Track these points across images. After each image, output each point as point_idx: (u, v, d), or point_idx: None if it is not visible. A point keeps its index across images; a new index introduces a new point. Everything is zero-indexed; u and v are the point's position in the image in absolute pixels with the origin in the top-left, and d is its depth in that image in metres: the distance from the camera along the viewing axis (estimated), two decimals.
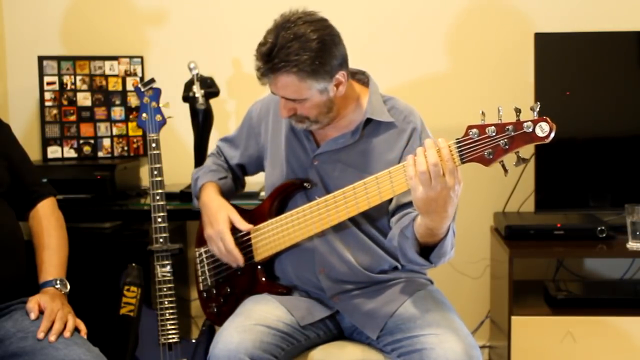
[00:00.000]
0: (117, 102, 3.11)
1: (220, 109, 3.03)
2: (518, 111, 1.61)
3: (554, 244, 2.73)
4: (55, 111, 3.09)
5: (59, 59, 3.08)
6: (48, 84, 3.07)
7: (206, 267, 2.22)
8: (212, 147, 2.86)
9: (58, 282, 2.07)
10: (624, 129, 2.85)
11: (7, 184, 2.10)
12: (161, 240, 2.31)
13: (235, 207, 2.20)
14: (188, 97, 2.80)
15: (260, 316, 1.93)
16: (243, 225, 2.08)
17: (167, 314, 2.33)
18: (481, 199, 3.07)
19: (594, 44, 2.83)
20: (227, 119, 3.11)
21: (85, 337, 1.97)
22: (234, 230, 2.10)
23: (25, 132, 3.14)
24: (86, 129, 3.11)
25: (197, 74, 2.75)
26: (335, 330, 2.09)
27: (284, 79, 1.86)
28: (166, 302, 2.33)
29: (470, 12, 3.06)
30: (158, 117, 2.35)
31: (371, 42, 3.06)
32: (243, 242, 2.11)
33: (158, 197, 2.31)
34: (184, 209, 2.65)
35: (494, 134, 1.63)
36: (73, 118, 3.10)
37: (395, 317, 1.95)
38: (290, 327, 1.96)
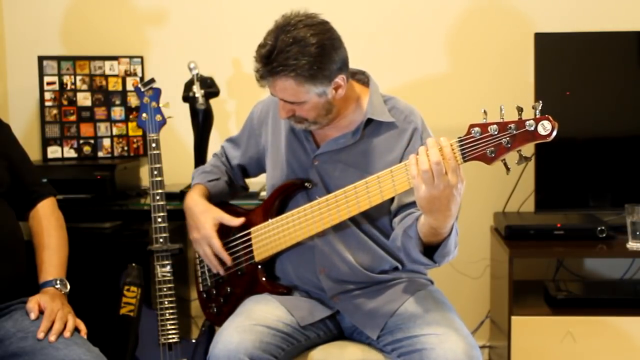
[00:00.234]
0: (117, 102, 3.11)
1: (220, 109, 3.03)
2: (520, 110, 1.62)
3: (554, 244, 2.73)
4: (55, 111, 3.09)
5: (59, 59, 3.08)
6: (48, 84, 3.07)
7: (206, 268, 2.21)
8: (212, 147, 2.87)
9: (58, 282, 2.06)
10: (624, 129, 2.85)
11: (7, 184, 2.10)
12: (161, 240, 2.31)
13: (236, 207, 2.21)
14: (188, 97, 2.80)
15: (260, 316, 1.93)
16: (234, 221, 2.09)
17: (167, 314, 2.33)
18: (481, 198, 3.07)
19: (594, 44, 2.83)
20: (227, 119, 3.11)
21: (85, 337, 1.96)
22: (229, 231, 2.10)
23: (25, 132, 3.14)
24: (86, 129, 3.11)
25: (197, 74, 2.75)
26: (336, 330, 2.09)
27: (281, 82, 1.86)
28: (166, 302, 2.33)
29: (471, 13, 3.06)
30: (158, 117, 2.35)
31: (371, 42, 3.06)
32: (243, 242, 2.11)
33: (158, 197, 2.31)
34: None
35: (496, 133, 1.63)
36: (73, 118, 3.10)
37: (395, 317, 1.95)
38: (290, 327, 1.96)
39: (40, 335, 1.89)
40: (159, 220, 2.31)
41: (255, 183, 2.72)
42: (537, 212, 2.84)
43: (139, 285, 2.37)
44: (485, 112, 1.65)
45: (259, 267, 2.09)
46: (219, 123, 2.95)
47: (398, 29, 3.08)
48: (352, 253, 2.00)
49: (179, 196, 2.73)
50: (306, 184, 2.04)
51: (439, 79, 3.10)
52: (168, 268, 2.32)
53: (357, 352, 2.01)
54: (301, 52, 1.81)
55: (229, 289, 2.16)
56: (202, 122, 2.82)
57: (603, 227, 2.72)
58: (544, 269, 3.04)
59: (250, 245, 2.09)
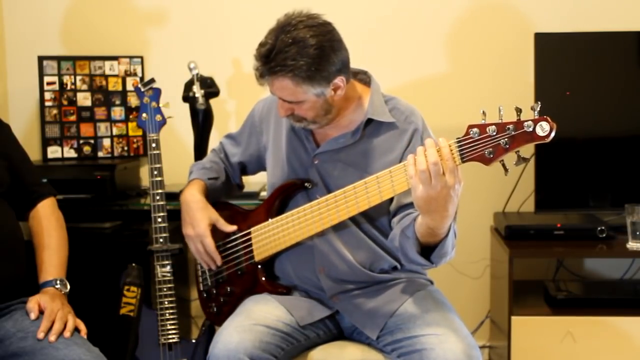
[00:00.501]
0: (117, 102, 3.11)
1: (220, 109, 3.03)
2: (519, 111, 1.62)
3: (554, 244, 2.73)
4: (55, 111, 3.09)
5: (59, 59, 3.08)
6: (48, 84, 3.07)
7: (206, 267, 2.21)
8: (212, 147, 2.86)
9: (58, 282, 2.06)
10: (624, 129, 2.85)
11: (7, 184, 2.10)
12: (161, 240, 2.32)
13: (236, 206, 2.21)
14: (188, 97, 2.80)
15: (260, 316, 1.93)
16: (228, 227, 2.12)
17: (167, 314, 2.33)
18: (481, 199, 3.07)
19: (594, 44, 2.83)
20: (227, 119, 3.11)
21: (85, 337, 1.96)
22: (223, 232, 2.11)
23: (25, 132, 3.14)
24: (86, 129, 3.11)
25: (197, 74, 2.75)
26: (335, 330, 2.09)
27: (279, 82, 1.86)
28: (166, 302, 2.33)
29: (470, 13, 3.06)
30: (158, 117, 2.35)
31: (371, 42, 3.06)
32: (243, 241, 2.11)
33: (158, 197, 2.32)
34: None
35: (494, 133, 1.63)
36: (73, 118, 3.10)
37: (395, 317, 1.95)
38: (290, 327, 1.96)
39: (40, 335, 1.89)
40: (159, 220, 2.32)
41: (255, 183, 2.72)
42: (537, 212, 2.84)
43: (139, 285, 2.37)
44: (484, 112, 1.65)
45: (259, 266, 2.10)
46: (219, 123, 2.95)
47: (398, 28, 3.08)
48: (352, 252, 2.00)
49: (179, 196, 2.72)
50: (306, 184, 2.04)
51: (439, 79, 3.10)
52: (168, 268, 2.33)
53: (356, 352, 2.01)
54: (300, 52, 1.82)
55: (228, 288, 2.16)
56: (202, 122, 2.82)
57: (603, 227, 2.72)
58: (544, 269, 3.04)
59: (250, 245, 2.09)
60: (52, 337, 1.89)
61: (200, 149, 2.85)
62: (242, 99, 3.11)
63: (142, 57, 3.10)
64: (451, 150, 1.66)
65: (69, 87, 3.08)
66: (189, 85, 2.80)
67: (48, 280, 2.07)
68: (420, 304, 1.95)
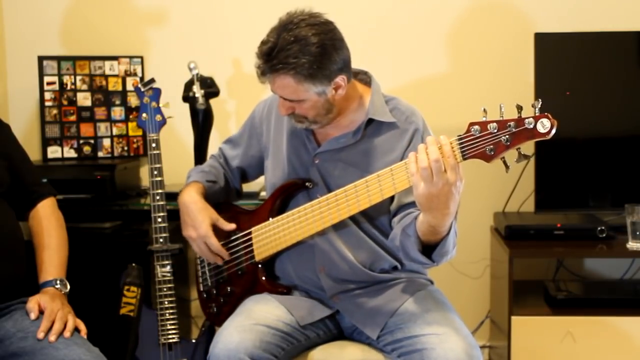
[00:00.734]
0: (117, 102, 3.11)
1: (220, 109, 3.03)
2: (520, 108, 1.62)
3: (554, 244, 2.73)
4: (55, 111, 3.09)
5: (59, 59, 3.08)
6: (48, 84, 3.07)
7: (206, 267, 2.22)
8: (212, 147, 2.87)
9: (58, 282, 2.06)
10: (624, 129, 2.85)
11: (7, 184, 2.10)
12: (161, 240, 2.32)
13: (237, 206, 2.21)
14: (188, 97, 2.79)
15: (260, 316, 1.93)
16: (228, 225, 2.12)
17: (167, 314, 2.33)
18: (481, 198, 3.07)
19: (594, 44, 2.83)
20: (227, 119, 3.11)
21: (85, 337, 1.96)
22: (223, 231, 2.12)
23: (25, 132, 3.14)
24: (86, 129, 3.11)
25: (197, 74, 2.75)
26: (335, 330, 2.09)
27: (281, 80, 1.86)
28: (166, 302, 2.33)
29: (471, 12, 3.06)
30: (158, 117, 2.35)
31: (371, 42, 3.06)
32: (244, 241, 2.11)
33: (158, 197, 2.32)
34: None
35: (495, 131, 1.64)
36: (73, 118, 3.10)
37: (395, 316, 1.95)
38: (290, 327, 1.96)
39: (40, 335, 1.89)
40: (159, 220, 2.32)
41: (255, 183, 2.71)
42: (537, 212, 2.84)
43: (139, 285, 2.37)
44: (485, 110, 1.66)
45: (259, 266, 2.10)
46: (219, 123, 2.95)
47: (398, 29, 3.08)
48: (352, 251, 2.00)
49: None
50: (307, 184, 2.04)
51: (439, 79, 3.10)
52: (168, 268, 2.33)
53: (357, 352, 2.01)
54: (301, 50, 1.82)
55: (229, 288, 2.16)
56: (202, 122, 2.82)
57: (603, 227, 2.72)
58: (544, 269, 3.04)
59: (251, 245, 2.09)
60: (52, 337, 1.89)
61: (200, 149, 2.85)
62: (242, 99, 3.11)
63: (142, 57, 3.10)
64: (452, 148, 1.66)
65: (69, 87, 3.08)
66: (189, 85, 2.80)
67: (48, 280, 2.06)
68: (421, 303, 1.96)
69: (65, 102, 3.09)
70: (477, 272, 3.15)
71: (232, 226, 2.12)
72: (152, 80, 2.36)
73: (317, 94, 1.89)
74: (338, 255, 2.00)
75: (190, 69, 2.75)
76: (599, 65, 2.84)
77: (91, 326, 2.02)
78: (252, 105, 2.26)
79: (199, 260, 2.25)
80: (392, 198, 1.93)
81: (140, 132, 3.09)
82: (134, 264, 2.39)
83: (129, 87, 3.09)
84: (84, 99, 3.10)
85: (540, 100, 1.62)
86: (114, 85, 3.10)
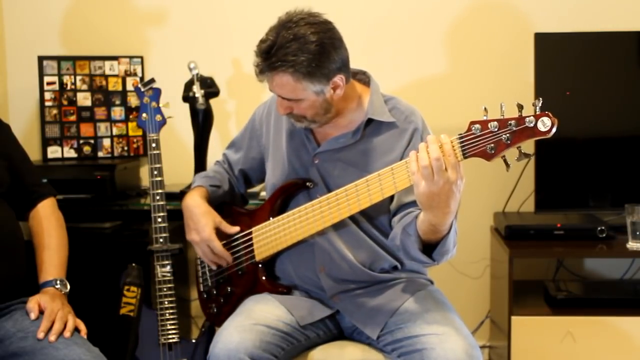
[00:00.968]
0: (117, 102, 3.11)
1: (220, 109, 3.03)
2: (520, 107, 1.63)
3: (554, 244, 2.73)
4: (55, 111, 3.09)
5: (59, 59, 3.08)
6: (48, 84, 3.07)
7: (207, 268, 2.21)
8: (212, 147, 2.87)
9: (58, 282, 2.06)
10: (624, 129, 2.85)
11: (7, 184, 2.10)
12: (161, 240, 2.32)
13: (238, 207, 2.21)
14: (188, 97, 2.80)
15: (260, 316, 1.93)
16: (231, 229, 2.12)
17: (167, 314, 2.33)
18: (481, 198, 3.07)
19: (594, 44, 2.83)
20: (227, 119, 3.11)
21: (85, 337, 1.96)
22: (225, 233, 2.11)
23: (25, 132, 3.14)
24: (86, 129, 3.11)
25: (197, 74, 2.75)
26: (335, 330, 2.09)
27: (279, 78, 1.87)
28: (166, 302, 2.33)
29: (471, 12, 3.06)
30: (158, 117, 2.35)
31: (371, 42, 3.06)
32: (244, 241, 2.11)
33: (158, 197, 2.32)
34: None
35: (496, 129, 1.64)
36: (73, 118, 3.10)
37: (395, 316, 1.95)
38: (290, 327, 1.96)
39: (40, 335, 1.89)
40: (159, 220, 2.32)
41: None
42: (537, 212, 2.84)
43: (139, 285, 2.37)
44: (485, 109, 1.66)
45: (260, 266, 2.10)
46: (219, 123, 2.95)
47: (398, 29, 3.08)
48: (352, 251, 2.00)
49: (179, 196, 2.71)
50: (307, 184, 2.04)
51: (439, 79, 3.10)
52: (168, 268, 2.33)
53: (357, 352, 2.01)
54: (300, 49, 1.82)
55: (229, 288, 2.16)
56: (202, 122, 2.82)
57: (603, 227, 2.72)
58: (544, 269, 3.04)
59: (252, 245, 2.09)
60: (52, 337, 1.89)
61: (200, 149, 2.85)
62: (242, 99, 3.11)
63: (142, 57, 3.10)
64: (453, 146, 1.67)
65: (69, 87, 3.08)
66: (189, 85, 2.80)
67: (48, 280, 2.06)
68: (421, 303, 1.96)
69: (65, 102, 3.09)
70: (477, 272, 3.15)
71: (235, 229, 2.12)
72: (152, 80, 2.36)
73: (315, 93, 1.89)
74: (338, 255, 2.00)
75: (190, 69, 2.75)
76: (599, 65, 2.84)
77: (91, 326, 2.02)
78: (252, 105, 2.26)
79: (199, 261, 2.25)
80: (391, 198, 1.93)
81: (140, 132, 3.09)
82: (134, 264, 2.39)
83: (129, 87, 3.09)
84: (84, 99, 3.10)
85: (540, 99, 1.62)
86: (114, 85, 3.10)
